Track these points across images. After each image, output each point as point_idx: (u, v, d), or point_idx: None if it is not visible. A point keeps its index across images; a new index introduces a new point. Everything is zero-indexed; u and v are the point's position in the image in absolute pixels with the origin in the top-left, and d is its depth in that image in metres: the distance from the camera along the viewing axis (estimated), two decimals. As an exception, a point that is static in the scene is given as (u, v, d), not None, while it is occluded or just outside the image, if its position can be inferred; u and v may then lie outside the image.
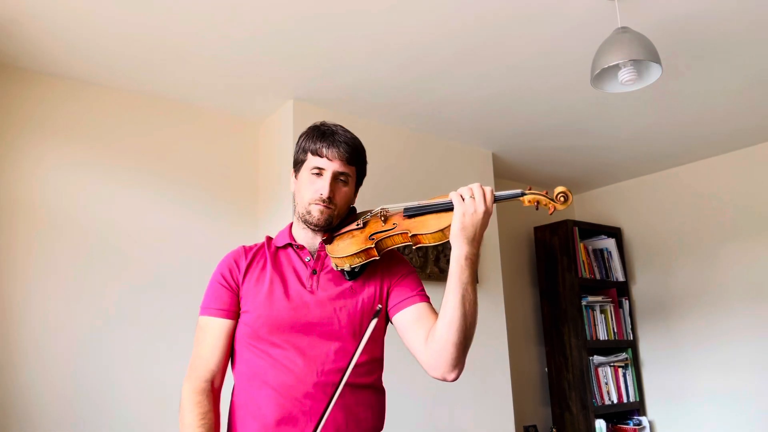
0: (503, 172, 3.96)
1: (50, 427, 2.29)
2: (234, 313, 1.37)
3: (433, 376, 1.30)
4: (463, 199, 1.24)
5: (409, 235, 1.29)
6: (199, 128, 2.91)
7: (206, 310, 1.38)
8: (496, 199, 1.27)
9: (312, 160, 1.37)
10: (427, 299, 1.39)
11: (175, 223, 2.73)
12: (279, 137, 2.94)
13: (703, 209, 3.90)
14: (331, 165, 1.36)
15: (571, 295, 3.87)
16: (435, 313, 1.33)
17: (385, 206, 1.39)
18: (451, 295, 1.23)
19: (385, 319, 1.42)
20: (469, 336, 1.25)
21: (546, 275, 4.05)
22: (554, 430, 3.81)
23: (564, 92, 2.91)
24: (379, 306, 1.19)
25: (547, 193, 1.28)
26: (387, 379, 1.44)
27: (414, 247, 1.36)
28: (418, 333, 1.31)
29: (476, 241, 1.23)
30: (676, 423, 3.87)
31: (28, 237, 2.39)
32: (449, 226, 1.25)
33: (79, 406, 2.36)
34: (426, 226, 1.29)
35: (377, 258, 1.33)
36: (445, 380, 1.28)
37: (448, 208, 1.27)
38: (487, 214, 1.24)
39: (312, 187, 1.37)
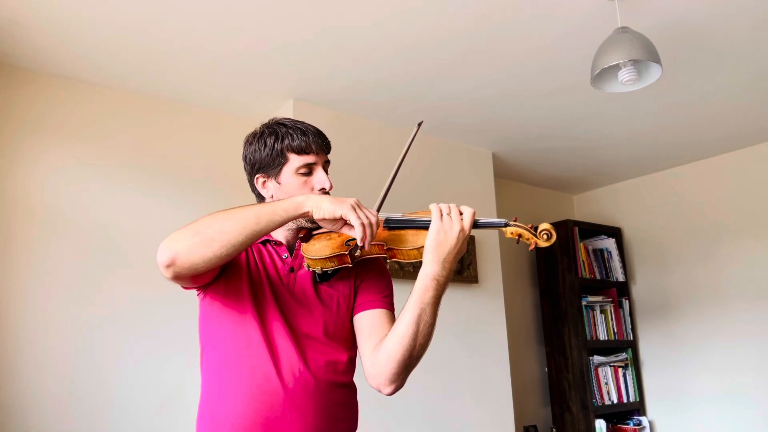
0: (503, 172, 3.96)
1: (49, 426, 2.29)
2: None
3: (370, 384, 1.26)
4: (442, 215, 1.21)
5: (385, 247, 1.25)
6: (199, 128, 2.91)
7: None
8: (477, 225, 1.24)
9: (298, 160, 1.31)
10: (389, 307, 1.34)
11: (175, 223, 2.66)
12: (279, 137, 2.93)
13: (703, 209, 3.90)
14: (318, 158, 1.33)
15: (571, 295, 3.87)
16: (393, 322, 1.29)
17: None
18: (407, 311, 1.19)
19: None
20: (416, 356, 1.20)
21: (546, 275, 4.05)
22: (554, 430, 3.81)
23: (564, 92, 2.91)
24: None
25: (531, 227, 1.24)
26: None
27: (388, 261, 1.32)
28: (370, 339, 1.27)
29: (448, 263, 1.19)
30: (676, 423, 3.87)
31: (27, 236, 2.39)
32: None
33: (79, 405, 2.36)
34: (403, 242, 1.24)
35: (349, 265, 1.27)
36: (380, 392, 1.24)
37: (429, 225, 1.22)
38: (462, 233, 1.19)
39: (306, 186, 1.32)
